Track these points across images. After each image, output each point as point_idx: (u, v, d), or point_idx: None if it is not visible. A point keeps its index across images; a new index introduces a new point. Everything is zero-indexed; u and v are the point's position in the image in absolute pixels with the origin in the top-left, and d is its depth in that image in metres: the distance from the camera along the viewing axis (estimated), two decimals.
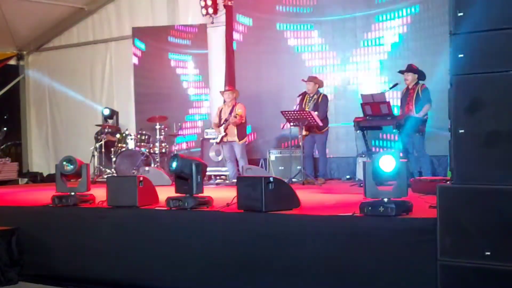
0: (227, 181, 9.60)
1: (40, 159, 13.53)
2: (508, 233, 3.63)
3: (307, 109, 8.84)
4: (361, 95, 8.25)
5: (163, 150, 10.36)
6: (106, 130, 10.96)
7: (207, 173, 9.59)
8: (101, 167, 10.68)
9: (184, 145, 11.34)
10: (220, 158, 10.10)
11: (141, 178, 5.79)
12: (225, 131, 9.31)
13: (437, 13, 9.13)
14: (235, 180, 5.66)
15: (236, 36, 11.01)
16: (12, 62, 13.54)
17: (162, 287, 5.27)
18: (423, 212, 4.56)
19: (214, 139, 9.70)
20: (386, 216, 4.36)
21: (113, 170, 10.26)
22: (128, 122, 11.80)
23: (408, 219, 4.40)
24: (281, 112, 8.76)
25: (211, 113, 11.16)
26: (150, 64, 11.77)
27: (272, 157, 9.81)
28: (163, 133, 10.39)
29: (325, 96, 9.11)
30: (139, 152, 10.17)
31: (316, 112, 8.69)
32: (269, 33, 10.77)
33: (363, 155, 8.86)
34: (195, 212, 5.33)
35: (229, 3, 10.98)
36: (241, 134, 9.33)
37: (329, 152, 9.34)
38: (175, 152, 9.97)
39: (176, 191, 5.55)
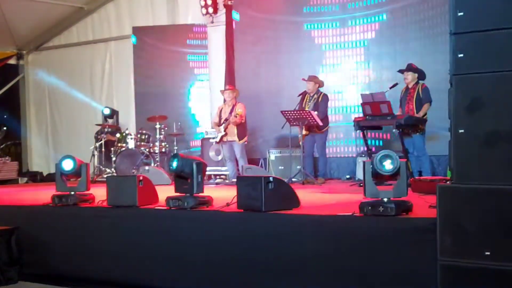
0: (227, 181, 9.60)
1: (40, 159, 13.54)
2: (508, 233, 3.62)
3: (307, 109, 8.84)
4: (361, 94, 8.24)
5: (163, 150, 10.37)
6: (106, 130, 10.96)
7: (207, 173, 9.61)
8: (101, 167, 10.69)
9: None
10: (220, 157, 10.10)
11: (141, 178, 5.79)
12: (225, 131, 9.31)
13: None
14: (235, 180, 5.66)
15: (236, 35, 11.02)
16: (12, 61, 13.55)
17: (162, 287, 5.26)
18: (423, 212, 4.56)
19: (214, 138, 9.70)
20: (386, 216, 4.36)
21: (113, 169, 10.27)
22: (128, 121, 11.81)
23: (408, 219, 4.40)
24: (281, 111, 8.76)
25: (211, 112, 11.17)
26: (150, 63, 11.78)
27: (272, 157, 9.81)
28: (163, 133, 10.40)
29: (325, 96, 9.10)
30: (139, 151, 10.17)
31: (316, 112, 8.68)
32: (269, 32, 10.78)
33: (363, 155, 8.86)
34: (195, 211, 5.33)
35: (229, 3, 10.99)
36: (241, 134, 9.33)
37: (328, 151, 9.33)
38: (175, 152, 10.00)
39: (176, 191, 5.55)
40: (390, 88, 8.52)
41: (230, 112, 9.30)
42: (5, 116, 13.56)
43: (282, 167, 9.57)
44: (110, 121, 11.37)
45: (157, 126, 10.33)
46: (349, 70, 10.18)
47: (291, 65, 10.60)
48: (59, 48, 13.22)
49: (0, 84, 13.28)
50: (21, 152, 13.60)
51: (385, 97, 7.98)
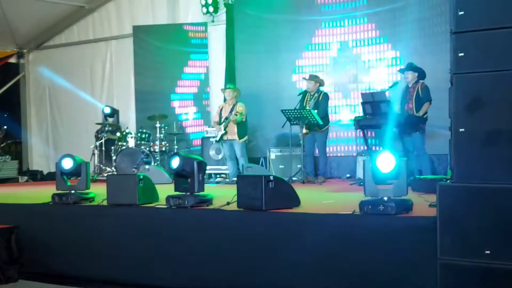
0: (227, 180, 9.60)
1: (40, 157, 13.54)
2: (508, 232, 3.62)
3: (307, 108, 8.84)
4: (361, 93, 8.25)
5: (163, 149, 10.37)
6: (106, 129, 10.96)
7: (207, 172, 9.61)
8: (102, 166, 10.69)
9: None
10: (220, 156, 10.11)
11: (141, 176, 5.79)
12: (225, 130, 9.31)
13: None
14: (235, 179, 5.66)
15: (237, 34, 11.02)
16: (13, 60, 13.55)
17: (162, 285, 5.26)
18: (423, 211, 4.56)
19: (214, 137, 9.71)
20: (386, 215, 4.36)
21: (113, 168, 10.27)
22: (128, 120, 11.82)
23: (408, 217, 4.39)
24: (282, 110, 8.76)
25: (211, 111, 11.17)
26: (151, 62, 11.79)
27: (272, 156, 9.80)
28: (163, 132, 10.41)
29: (325, 95, 9.10)
30: (139, 150, 10.17)
31: (316, 111, 8.68)
32: (270, 31, 10.78)
33: (363, 154, 8.85)
34: (195, 210, 5.34)
35: (230, 2, 10.98)
36: (242, 133, 9.33)
37: (329, 150, 9.33)
38: (176, 151, 10.01)
39: (176, 189, 5.55)
40: (390, 87, 8.53)
41: (231, 111, 9.30)
42: (5, 115, 13.56)
43: (283, 166, 9.57)
44: (110, 120, 11.37)
45: (157, 125, 10.34)
46: (350, 69, 10.17)
47: (291, 64, 10.59)
48: (59, 47, 13.22)
49: (0, 83, 13.28)
50: (21, 151, 13.61)
51: (385, 96, 7.99)
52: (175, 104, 11.67)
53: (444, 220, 3.84)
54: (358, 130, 8.30)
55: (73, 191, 6.02)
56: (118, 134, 10.68)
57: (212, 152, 10.25)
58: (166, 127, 10.59)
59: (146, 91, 11.74)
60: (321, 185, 8.47)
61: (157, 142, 10.30)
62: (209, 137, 10.19)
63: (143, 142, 10.32)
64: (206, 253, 5.08)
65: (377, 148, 9.31)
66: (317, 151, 9.26)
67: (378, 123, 7.97)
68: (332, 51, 10.29)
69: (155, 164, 10.03)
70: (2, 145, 12.35)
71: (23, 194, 7.98)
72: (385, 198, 4.43)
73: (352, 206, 4.70)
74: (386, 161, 4.37)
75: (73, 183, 6.14)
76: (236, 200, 5.17)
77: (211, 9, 11.11)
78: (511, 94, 3.71)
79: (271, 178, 5.02)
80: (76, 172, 6.08)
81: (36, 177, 12.39)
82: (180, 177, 5.54)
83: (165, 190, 5.91)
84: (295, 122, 8.69)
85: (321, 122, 8.71)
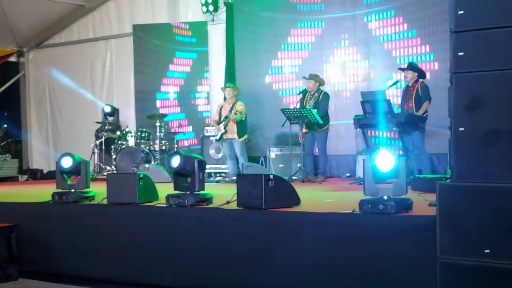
0: (227, 179, 9.60)
1: (40, 156, 13.53)
2: (507, 231, 3.63)
3: (308, 107, 8.84)
4: (361, 92, 8.24)
5: (163, 148, 10.37)
6: (106, 127, 10.96)
7: (207, 171, 9.62)
8: (101, 164, 10.69)
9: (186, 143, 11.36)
10: (220, 155, 10.11)
11: (141, 175, 5.80)
12: (225, 128, 9.31)
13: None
14: (235, 178, 5.66)
15: (237, 33, 11.02)
16: (13, 59, 13.54)
17: (161, 284, 5.27)
18: (423, 210, 4.56)
19: (214, 136, 9.71)
20: (385, 214, 4.37)
21: (113, 167, 10.27)
22: (128, 119, 11.82)
23: (408, 217, 4.40)
24: (282, 109, 8.76)
25: (211, 110, 11.18)
26: (151, 61, 11.80)
27: (272, 155, 9.80)
28: (163, 131, 10.41)
29: (326, 94, 9.10)
30: (139, 149, 10.18)
31: (316, 110, 8.69)
32: (270, 30, 10.79)
33: (363, 153, 8.85)
34: (195, 209, 5.34)
35: (230, 0, 10.98)
36: (241, 132, 9.33)
37: (329, 149, 9.33)
38: (176, 150, 10.01)
39: (175, 188, 5.56)
40: (390, 86, 8.53)
41: (230, 110, 9.30)
42: (5, 114, 13.57)
43: (283, 165, 9.56)
44: (110, 118, 11.38)
45: (157, 124, 10.34)
46: (350, 68, 10.17)
47: (291, 63, 10.59)
48: (59, 46, 13.21)
49: (0, 81, 13.27)
50: (21, 150, 13.60)
51: (385, 95, 7.99)
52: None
53: (444, 219, 3.84)
54: (358, 129, 8.29)
55: (73, 190, 6.02)
56: (118, 133, 10.69)
57: (212, 151, 10.26)
58: (166, 126, 10.59)
59: (146, 90, 11.75)
60: (321, 184, 8.48)
61: (157, 141, 10.30)
62: (209, 136, 10.19)
63: (143, 141, 10.32)
64: (206, 252, 5.08)
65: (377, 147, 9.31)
66: (317, 150, 9.27)
67: (378, 122, 7.96)
68: (333, 50, 10.26)
69: (155, 163, 10.03)
70: (2, 143, 12.35)
71: (23, 193, 7.99)
72: (385, 197, 4.43)
73: (352, 205, 4.70)
74: (385, 160, 4.37)
75: (74, 182, 6.14)
76: (236, 199, 5.17)
77: (211, 8, 11.10)
78: (511, 93, 3.72)
79: (271, 177, 5.02)
80: (75, 171, 6.07)
81: (36, 175, 12.40)
82: (180, 176, 5.54)
83: (165, 189, 5.91)
84: (295, 121, 8.70)
85: (321, 122, 8.72)
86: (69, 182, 6.11)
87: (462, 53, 3.85)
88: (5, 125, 12.44)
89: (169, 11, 11.82)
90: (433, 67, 9.24)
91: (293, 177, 8.63)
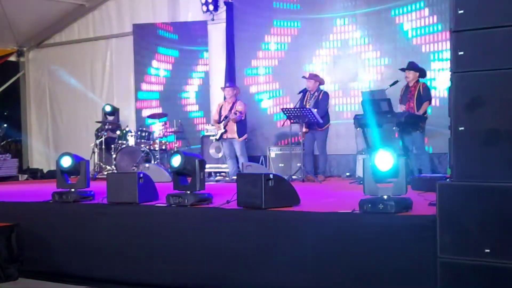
0: (227, 178, 9.61)
1: (40, 156, 13.54)
2: (507, 230, 3.63)
3: (307, 107, 8.84)
4: (361, 92, 8.25)
5: (163, 147, 10.37)
6: (106, 127, 10.96)
7: (207, 170, 9.62)
8: (102, 164, 10.69)
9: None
10: (220, 155, 10.11)
11: (141, 175, 5.80)
12: (225, 128, 9.31)
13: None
14: (235, 177, 5.66)
15: (237, 32, 11.02)
16: (13, 58, 13.54)
17: (161, 284, 5.26)
18: (423, 210, 4.56)
19: (214, 135, 9.71)
20: (385, 213, 4.37)
21: (113, 166, 10.27)
22: (128, 119, 11.82)
23: (408, 216, 4.40)
24: (282, 109, 8.76)
25: (211, 110, 11.18)
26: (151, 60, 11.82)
27: (272, 154, 9.80)
28: (163, 130, 10.41)
29: (326, 94, 9.10)
30: (139, 149, 10.18)
31: (316, 110, 8.69)
32: (269, 29, 10.79)
33: (363, 153, 8.85)
34: (195, 208, 5.34)
35: (230, 0, 10.97)
36: (241, 131, 9.33)
37: (329, 149, 9.33)
38: (176, 149, 10.00)
39: (175, 188, 5.55)
40: (390, 86, 8.53)
41: (230, 110, 9.31)
42: (5, 113, 13.56)
43: (282, 165, 9.56)
44: (110, 118, 11.38)
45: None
46: (350, 68, 10.17)
47: (291, 63, 10.59)
48: (59, 45, 13.21)
49: (0, 81, 13.27)
50: (21, 149, 13.61)
51: (386, 95, 7.99)
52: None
53: (444, 218, 3.84)
54: (358, 128, 8.29)
55: (73, 190, 6.02)
56: (118, 132, 10.69)
57: (212, 151, 10.26)
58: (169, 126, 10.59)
59: (146, 90, 11.76)
60: (321, 183, 8.48)
61: (157, 141, 10.30)
62: (209, 136, 10.19)
63: (143, 140, 10.32)
64: (206, 252, 5.08)
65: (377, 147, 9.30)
66: (316, 149, 9.26)
67: (378, 121, 7.96)
68: (333, 50, 10.27)
69: (155, 162, 10.03)
70: (2, 143, 12.35)
71: (23, 192, 7.98)
72: (385, 197, 4.43)
73: (352, 205, 4.70)
74: (384, 159, 4.37)
75: (74, 181, 6.14)
76: (236, 199, 5.18)
77: (211, 7, 11.10)
78: (511, 93, 3.72)
79: (271, 176, 5.02)
80: (75, 170, 6.07)
81: (36, 175, 12.41)
82: (181, 175, 5.54)
83: (165, 188, 5.91)
84: (295, 121, 8.70)
85: (321, 121, 8.72)
86: (69, 182, 6.11)
87: (462, 53, 3.85)
88: (5, 125, 12.44)
89: (169, 11, 11.82)
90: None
91: (293, 177, 8.63)
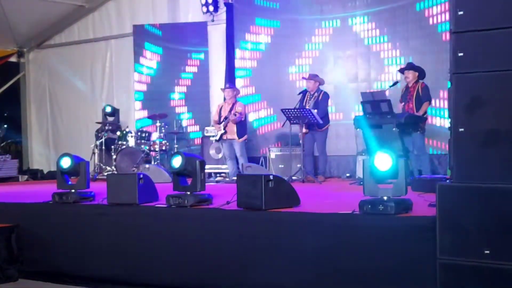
0: (227, 179, 9.61)
1: (40, 156, 13.55)
2: (507, 232, 3.63)
3: (307, 107, 8.84)
4: (361, 93, 8.24)
5: (163, 148, 10.37)
6: (106, 128, 10.96)
7: (207, 171, 9.62)
8: (102, 165, 10.69)
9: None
10: (220, 155, 10.12)
11: (141, 176, 5.80)
12: (224, 129, 9.32)
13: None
14: (235, 178, 5.66)
15: (237, 33, 11.02)
16: (13, 59, 13.54)
17: (161, 284, 5.26)
18: (423, 211, 4.56)
19: (214, 136, 9.71)
20: (385, 215, 4.36)
21: (113, 167, 10.27)
22: (128, 119, 11.82)
23: (408, 217, 4.39)
24: (282, 110, 8.77)
25: (211, 110, 11.19)
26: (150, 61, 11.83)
27: (272, 155, 9.80)
28: (163, 131, 10.41)
29: (325, 94, 9.10)
30: (139, 149, 10.18)
31: (316, 110, 8.69)
32: (269, 30, 10.79)
33: (363, 154, 8.85)
34: (195, 209, 5.34)
35: (230, 1, 10.98)
36: (241, 132, 9.34)
37: (329, 150, 9.34)
38: (177, 150, 10.01)
39: (175, 189, 5.55)
40: (390, 86, 8.53)
41: (230, 111, 9.31)
42: (5, 114, 13.56)
43: (282, 166, 9.56)
44: (110, 119, 11.38)
45: (157, 124, 10.34)
46: (350, 68, 10.17)
47: (291, 63, 10.60)
48: (59, 46, 13.22)
49: (0, 82, 13.27)
50: (21, 150, 13.60)
51: (385, 95, 7.99)
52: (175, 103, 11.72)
53: (444, 219, 3.84)
54: (358, 129, 8.29)
55: (73, 190, 6.02)
56: (118, 133, 10.69)
57: (212, 151, 10.27)
58: (166, 126, 10.60)
59: (146, 90, 11.76)
60: (321, 184, 8.48)
61: (157, 141, 10.30)
62: (209, 136, 10.19)
63: (143, 141, 10.32)
64: (206, 253, 5.08)
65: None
66: (316, 150, 9.26)
67: (378, 122, 7.97)
68: (333, 50, 10.28)
69: (155, 163, 10.03)
70: (2, 144, 12.35)
71: (23, 193, 7.98)
72: (385, 198, 4.42)
73: (352, 206, 4.70)
74: (383, 160, 4.37)
75: (74, 182, 6.14)
76: (236, 200, 5.18)
77: (211, 8, 11.10)
78: (511, 94, 3.72)
79: (271, 177, 5.02)
80: (75, 171, 6.07)
81: (36, 176, 12.40)
82: (181, 176, 5.54)
83: (165, 189, 5.92)
84: (295, 122, 8.70)
85: (321, 122, 8.72)
86: (69, 183, 6.11)
87: (462, 54, 3.85)
88: (5, 126, 12.44)
89: (169, 12, 11.83)
90: None
91: (293, 178, 8.63)
